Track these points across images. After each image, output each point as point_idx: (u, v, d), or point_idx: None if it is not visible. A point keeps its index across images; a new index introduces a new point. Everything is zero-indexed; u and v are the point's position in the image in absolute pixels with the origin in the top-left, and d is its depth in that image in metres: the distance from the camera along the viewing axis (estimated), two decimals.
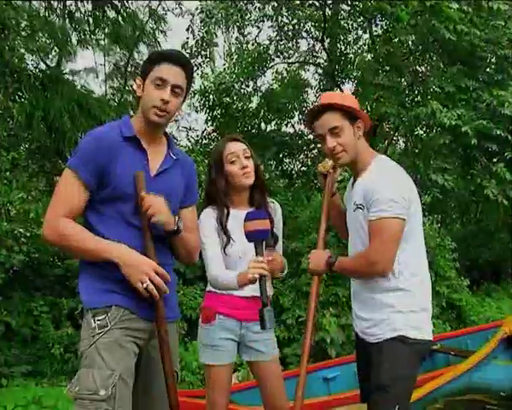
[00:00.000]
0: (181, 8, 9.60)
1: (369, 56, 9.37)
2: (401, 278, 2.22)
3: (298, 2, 8.86)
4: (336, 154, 2.29)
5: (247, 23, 9.67)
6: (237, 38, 10.35)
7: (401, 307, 2.22)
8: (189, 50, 9.59)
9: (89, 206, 1.99)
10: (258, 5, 9.32)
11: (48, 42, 8.16)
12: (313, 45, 9.94)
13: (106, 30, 8.89)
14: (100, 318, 1.90)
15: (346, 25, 9.32)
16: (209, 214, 2.53)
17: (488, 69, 7.68)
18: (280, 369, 2.68)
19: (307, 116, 2.46)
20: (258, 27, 9.74)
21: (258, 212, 2.18)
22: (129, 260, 1.90)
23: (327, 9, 8.93)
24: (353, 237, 2.37)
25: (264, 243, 2.11)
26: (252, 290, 2.39)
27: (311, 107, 2.48)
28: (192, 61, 9.50)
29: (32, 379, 5.23)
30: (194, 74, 9.83)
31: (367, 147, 2.37)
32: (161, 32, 10.65)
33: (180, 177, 2.15)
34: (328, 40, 9.40)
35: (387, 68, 7.81)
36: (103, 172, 1.95)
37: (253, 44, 10.15)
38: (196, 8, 9.63)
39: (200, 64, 9.93)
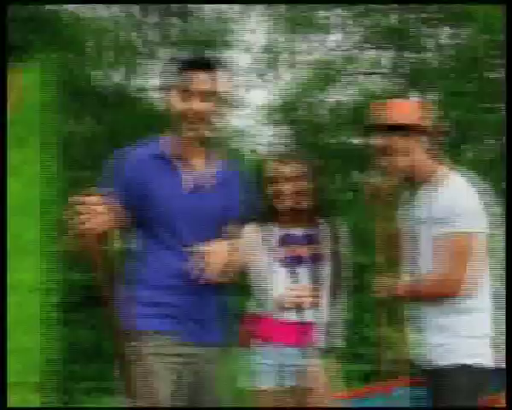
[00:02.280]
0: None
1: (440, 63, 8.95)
2: (479, 297, 2.08)
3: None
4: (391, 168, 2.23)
5: (313, 31, 9.47)
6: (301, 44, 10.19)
7: (470, 331, 2.06)
8: (251, 55, 9.54)
9: None
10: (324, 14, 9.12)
11: (115, 58, 8.33)
12: (380, 55, 9.63)
13: (172, 39, 8.98)
14: (135, 344, 1.83)
15: (416, 32, 8.96)
16: (257, 230, 2.35)
17: None
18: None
19: (373, 127, 2.33)
20: (325, 34, 9.53)
21: (295, 237, 2.03)
22: None
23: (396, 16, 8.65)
24: (422, 254, 2.18)
25: (300, 269, 1.99)
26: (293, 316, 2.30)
27: (379, 123, 2.29)
28: (256, 66, 9.42)
29: (95, 396, 5.25)
30: (258, 83, 9.69)
31: (429, 157, 2.26)
32: (231, 31, 10.62)
33: (221, 193, 2.03)
34: (396, 49, 9.09)
35: (457, 74, 7.49)
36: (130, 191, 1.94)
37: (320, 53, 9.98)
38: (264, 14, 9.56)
39: (263, 72, 9.80)
